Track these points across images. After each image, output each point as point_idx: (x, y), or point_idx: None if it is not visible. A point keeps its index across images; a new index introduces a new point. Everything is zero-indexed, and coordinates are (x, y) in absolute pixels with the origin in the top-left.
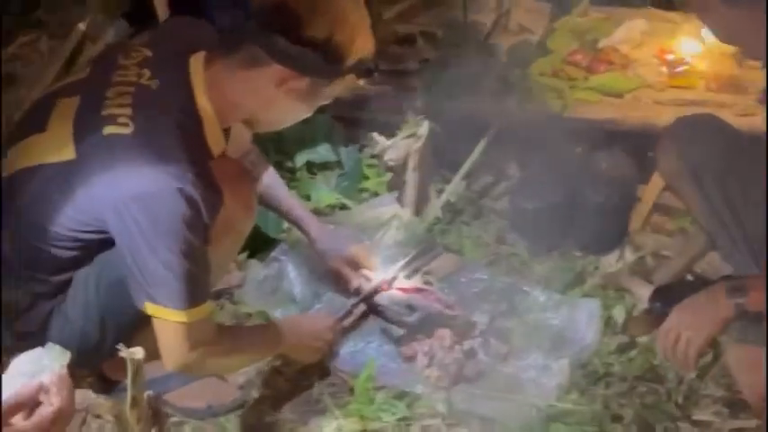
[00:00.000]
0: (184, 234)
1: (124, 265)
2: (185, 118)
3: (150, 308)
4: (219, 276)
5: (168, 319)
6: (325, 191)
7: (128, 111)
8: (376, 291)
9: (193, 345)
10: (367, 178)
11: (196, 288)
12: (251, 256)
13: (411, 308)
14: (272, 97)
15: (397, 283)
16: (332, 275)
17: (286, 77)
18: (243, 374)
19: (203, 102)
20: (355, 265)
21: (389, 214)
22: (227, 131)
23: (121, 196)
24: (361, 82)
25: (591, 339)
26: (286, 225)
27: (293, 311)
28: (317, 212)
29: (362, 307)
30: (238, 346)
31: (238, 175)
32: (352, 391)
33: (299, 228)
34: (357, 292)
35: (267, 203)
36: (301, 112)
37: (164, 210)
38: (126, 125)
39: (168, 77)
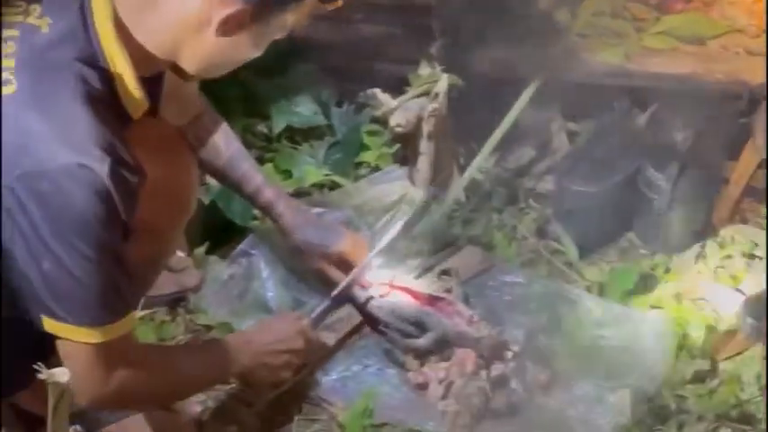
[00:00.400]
0: (91, 226)
1: (13, 268)
2: (89, 70)
3: (49, 324)
4: (151, 281)
5: (75, 340)
6: (310, 165)
7: (10, 63)
8: (357, 279)
9: (111, 372)
10: (366, 149)
11: (111, 298)
12: (211, 250)
13: (421, 326)
14: (202, 32)
15: (402, 288)
16: (317, 277)
17: (218, 3)
18: (199, 402)
19: (112, 47)
20: (347, 265)
21: (396, 196)
22: (154, 85)
23: (3, 177)
24: (329, 7)
25: (659, 365)
26: (257, 210)
27: None
28: (300, 194)
29: (356, 316)
30: (173, 372)
31: (171, 142)
32: (342, 429)
33: (270, 215)
34: (348, 299)
35: (229, 182)
36: (246, 50)
37: (60, 194)
38: (9, 83)
39: (64, 15)
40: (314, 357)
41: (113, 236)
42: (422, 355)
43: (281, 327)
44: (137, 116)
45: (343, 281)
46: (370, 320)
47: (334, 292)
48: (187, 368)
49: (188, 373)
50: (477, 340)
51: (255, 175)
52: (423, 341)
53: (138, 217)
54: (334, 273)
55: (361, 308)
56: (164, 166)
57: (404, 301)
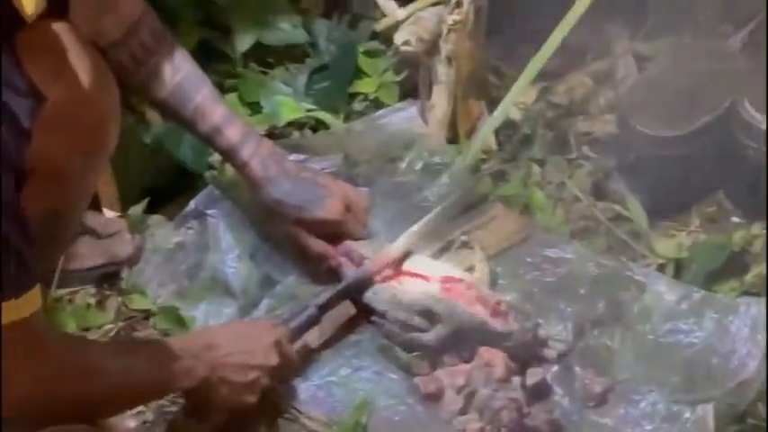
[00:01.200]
0: None
1: None
2: None
3: None
4: (57, 246)
5: None
6: (286, 97)
7: None
8: (369, 279)
9: (14, 368)
10: (363, 76)
11: (9, 265)
12: (153, 209)
13: (429, 316)
14: None
15: (409, 266)
16: (294, 246)
17: None
18: (136, 417)
19: None
20: (334, 232)
21: (403, 141)
22: None
23: None
24: None
25: (755, 368)
26: (214, 156)
27: (226, 307)
28: (273, 136)
29: (344, 307)
30: (100, 375)
31: (80, 55)
32: None
33: (233, 161)
34: (335, 276)
35: (178, 118)
36: None
37: None
38: None
39: None
40: (286, 379)
41: (2, 184)
42: (431, 356)
43: (253, 334)
44: (30, 16)
45: (340, 285)
46: (362, 308)
47: (321, 299)
48: (120, 373)
49: (121, 379)
50: (504, 336)
51: (215, 108)
52: (430, 336)
53: (34, 152)
54: (316, 245)
55: (351, 293)
56: (68, 87)
57: (407, 282)
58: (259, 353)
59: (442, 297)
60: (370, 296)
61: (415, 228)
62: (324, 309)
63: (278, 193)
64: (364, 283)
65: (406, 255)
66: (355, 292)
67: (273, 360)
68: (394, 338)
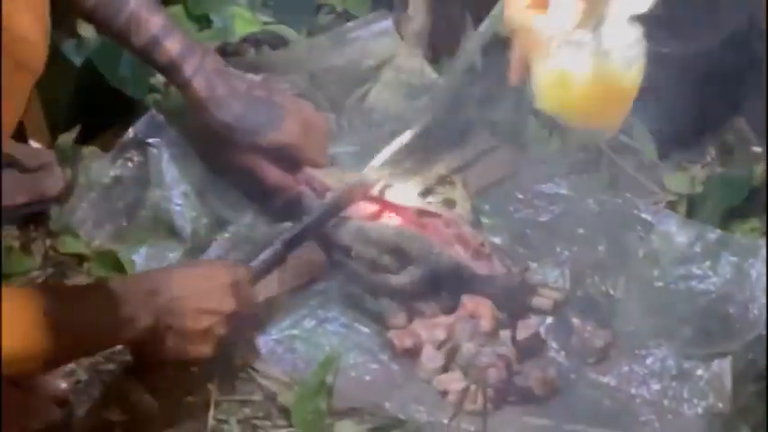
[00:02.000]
0: None
1: None
2: None
3: None
4: None
5: None
6: (241, 8)
7: None
8: (335, 212)
9: None
10: None
11: None
12: (86, 138)
13: (402, 254)
14: None
15: (380, 197)
16: (248, 179)
17: None
18: (67, 377)
19: None
20: (293, 159)
21: (376, 59)
22: None
23: None
24: None
25: None
26: (157, 78)
27: (170, 251)
28: (226, 54)
29: (308, 249)
30: (29, 323)
31: None
32: (285, 415)
33: (174, 80)
34: (296, 211)
35: (111, 31)
36: None
37: None
38: None
39: None
40: (245, 330)
41: None
42: (406, 304)
43: (206, 275)
44: None
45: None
46: (325, 245)
47: (288, 234)
48: (54, 319)
49: (54, 327)
50: (486, 281)
51: (150, 17)
52: (401, 279)
53: None
54: (273, 174)
55: (318, 228)
56: None
57: (377, 216)
58: (214, 296)
59: (417, 234)
60: (333, 229)
61: (385, 154)
62: (290, 246)
63: (226, 115)
64: (331, 217)
65: (376, 184)
66: (322, 227)
67: (230, 305)
68: (359, 280)
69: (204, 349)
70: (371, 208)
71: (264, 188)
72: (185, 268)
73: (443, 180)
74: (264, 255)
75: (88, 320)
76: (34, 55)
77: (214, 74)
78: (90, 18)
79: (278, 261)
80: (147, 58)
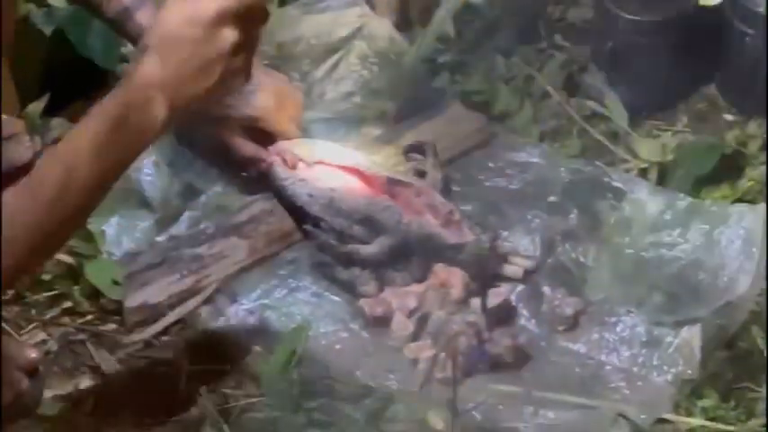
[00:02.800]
0: None
1: None
2: None
3: None
4: None
5: None
6: None
7: None
8: (303, 181)
9: None
10: None
11: None
12: (55, 108)
13: (371, 224)
14: None
15: (349, 165)
16: (220, 150)
17: None
18: (38, 346)
19: None
20: (265, 131)
21: (346, 29)
22: None
23: None
24: None
25: (747, 285)
26: (128, 48)
27: (141, 221)
28: None
29: (278, 219)
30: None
31: None
32: (256, 383)
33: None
34: (267, 183)
35: (86, 1)
36: None
37: None
38: None
39: None
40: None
41: None
42: (376, 273)
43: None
44: None
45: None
46: (295, 216)
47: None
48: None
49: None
50: (456, 249)
51: None
52: (371, 249)
53: None
54: (245, 147)
55: (282, 197)
56: None
57: (348, 187)
58: (211, 41)
59: (387, 203)
60: (304, 199)
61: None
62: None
63: None
64: (289, 187)
65: (346, 154)
66: (284, 197)
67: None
68: (329, 251)
69: (212, 78)
70: (344, 176)
71: (237, 160)
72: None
73: (414, 148)
74: None
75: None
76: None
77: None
78: None
79: None
80: (119, 28)
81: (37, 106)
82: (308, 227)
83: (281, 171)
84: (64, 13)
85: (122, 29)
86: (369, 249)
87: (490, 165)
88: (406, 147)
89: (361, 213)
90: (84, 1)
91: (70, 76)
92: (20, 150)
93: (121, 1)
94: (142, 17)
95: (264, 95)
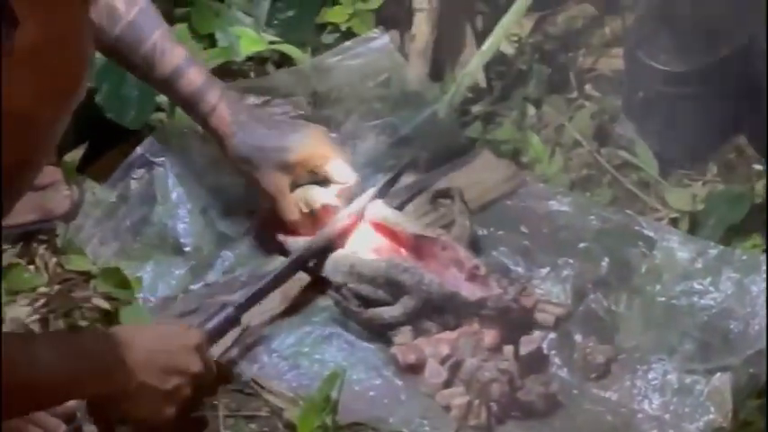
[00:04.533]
0: None
1: None
2: None
3: None
4: (17, 196)
5: None
6: (247, 28)
7: None
8: (327, 247)
9: None
10: (334, 3)
11: None
12: (92, 156)
13: (395, 285)
14: None
15: (376, 220)
16: (271, 198)
17: None
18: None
19: None
20: (322, 173)
21: (379, 77)
22: None
23: None
24: None
25: None
26: (162, 98)
27: (176, 268)
28: (230, 73)
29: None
30: (28, 364)
31: None
32: (292, 430)
33: (197, 108)
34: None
35: (132, 58)
36: None
37: None
38: None
39: None
40: (208, 392)
41: None
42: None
43: (172, 334)
44: None
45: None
46: (314, 279)
47: (241, 299)
48: (46, 367)
49: (47, 373)
50: (477, 305)
51: (176, 49)
52: (393, 311)
53: (4, 99)
54: (292, 212)
55: (298, 263)
56: (48, 20)
57: (371, 247)
58: (181, 356)
59: (407, 265)
60: (327, 268)
61: (385, 181)
62: (242, 309)
63: (253, 137)
64: (318, 253)
65: (375, 206)
66: (308, 262)
67: (196, 365)
68: (350, 316)
69: (169, 411)
70: (368, 235)
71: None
72: (153, 326)
73: (442, 194)
74: (218, 317)
75: (61, 365)
76: (82, 86)
77: (236, 101)
78: (112, 48)
79: (231, 323)
80: (169, 87)
81: (74, 155)
82: (331, 292)
83: (293, 243)
84: (98, 65)
85: (173, 87)
86: (392, 312)
87: (520, 213)
88: (433, 193)
89: (382, 277)
90: (136, 62)
91: (107, 124)
92: (58, 199)
93: (174, 60)
94: (194, 76)
95: (316, 137)
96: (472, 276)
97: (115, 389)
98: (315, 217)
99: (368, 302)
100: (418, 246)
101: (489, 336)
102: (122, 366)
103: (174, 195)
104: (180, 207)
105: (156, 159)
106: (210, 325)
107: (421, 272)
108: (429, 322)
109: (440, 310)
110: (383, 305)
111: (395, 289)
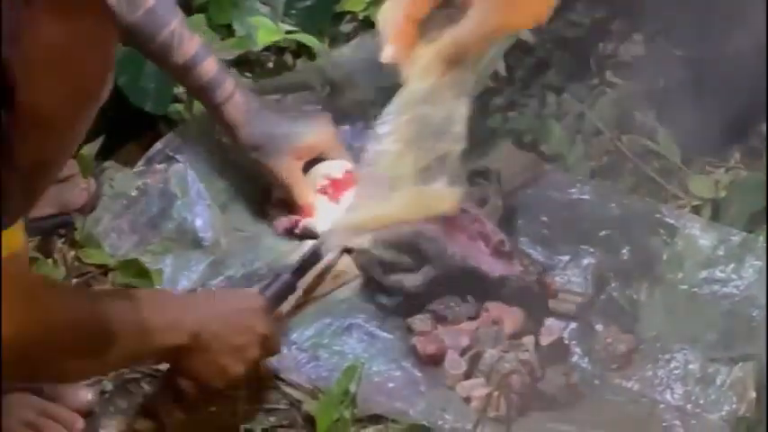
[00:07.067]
0: None
1: None
2: None
3: None
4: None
5: None
6: (264, 17)
7: None
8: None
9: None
10: None
11: None
12: (109, 150)
13: (419, 253)
14: None
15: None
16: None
17: None
18: (93, 387)
19: None
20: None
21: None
22: None
23: None
24: None
25: None
26: (181, 89)
27: (195, 262)
28: (247, 63)
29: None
30: (97, 320)
31: None
32: (311, 423)
33: (212, 96)
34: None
35: (149, 45)
36: None
37: None
38: None
39: None
40: (272, 353)
41: None
42: (424, 304)
43: (240, 295)
44: None
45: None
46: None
47: (304, 255)
48: (118, 316)
49: (120, 323)
50: (499, 282)
51: (194, 39)
52: (414, 279)
53: (26, 101)
54: (306, 195)
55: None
56: (70, 25)
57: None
58: (249, 315)
59: (432, 235)
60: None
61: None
62: (298, 274)
63: (266, 125)
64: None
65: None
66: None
67: (263, 326)
68: (374, 283)
69: (238, 368)
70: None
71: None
72: (217, 290)
73: (479, 174)
74: (275, 285)
75: (131, 317)
76: (103, 90)
77: (247, 91)
78: (130, 34)
79: (289, 290)
80: (186, 74)
81: (91, 148)
82: (353, 255)
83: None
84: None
85: (188, 75)
86: (413, 280)
87: (541, 201)
88: (470, 171)
89: (406, 244)
90: (153, 48)
91: (122, 117)
92: (75, 192)
93: (191, 49)
94: (209, 66)
95: (325, 126)
96: (497, 252)
97: (187, 341)
98: (337, 186)
99: (392, 268)
100: (449, 216)
101: (509, 325)
102: (193, 316)
103: (193, 191)
104: (199, 203)
105: (176, 155)
106: (269, 292)
107: (445, 243)
108: (447, 301)
109: (459, 284)
110: (403, 271)
111: (417, 257)
